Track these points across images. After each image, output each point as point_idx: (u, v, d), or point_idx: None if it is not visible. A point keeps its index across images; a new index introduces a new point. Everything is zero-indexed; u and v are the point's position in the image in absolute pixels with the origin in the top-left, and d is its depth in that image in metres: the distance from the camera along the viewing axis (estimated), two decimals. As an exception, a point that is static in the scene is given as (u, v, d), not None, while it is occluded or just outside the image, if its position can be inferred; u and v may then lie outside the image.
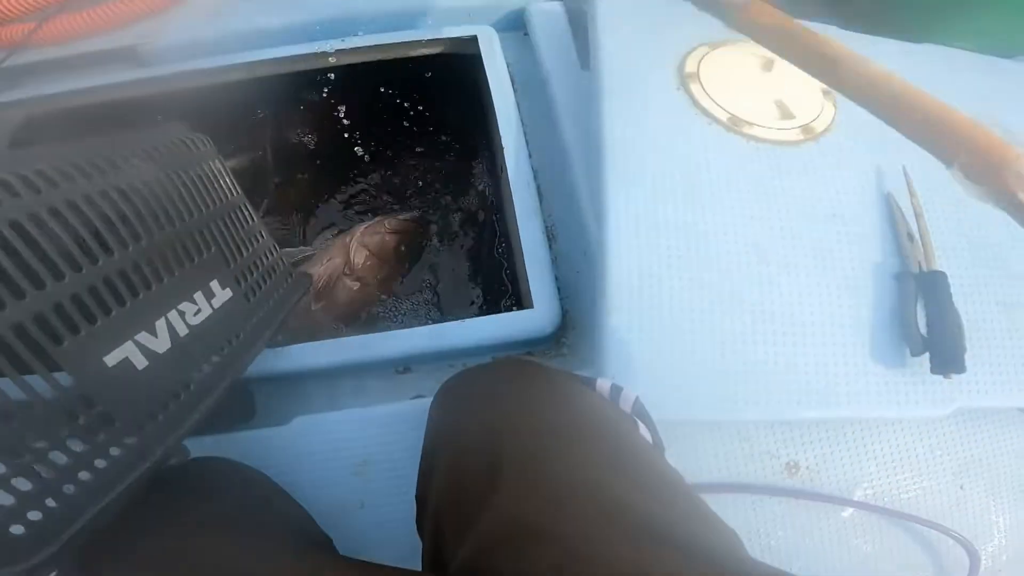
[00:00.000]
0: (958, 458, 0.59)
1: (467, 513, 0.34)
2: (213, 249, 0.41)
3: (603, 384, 0.48)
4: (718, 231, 0.57)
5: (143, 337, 0.34)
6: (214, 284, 0.41)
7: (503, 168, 0.83)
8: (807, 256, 0.56)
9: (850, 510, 0.57)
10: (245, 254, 0.46)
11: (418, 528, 0.45)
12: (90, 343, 0.31)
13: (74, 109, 0.81)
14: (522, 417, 0.39)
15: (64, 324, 0.29)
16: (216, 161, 0.46)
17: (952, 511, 0.59)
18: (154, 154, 0.39)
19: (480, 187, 0.97)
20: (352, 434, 0.57)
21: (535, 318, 0.61)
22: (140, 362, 0.33)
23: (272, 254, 0.52)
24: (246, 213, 0.49)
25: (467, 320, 0.62)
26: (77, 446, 0.30)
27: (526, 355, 0.64)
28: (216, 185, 0.45)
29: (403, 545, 0.56)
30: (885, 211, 0.57)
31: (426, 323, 0.83)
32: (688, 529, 0.31)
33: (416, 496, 0.47)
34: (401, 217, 0.87)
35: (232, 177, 0.48)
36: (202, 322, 0.39)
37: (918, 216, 0.55)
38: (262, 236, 0.51)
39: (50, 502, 0.29)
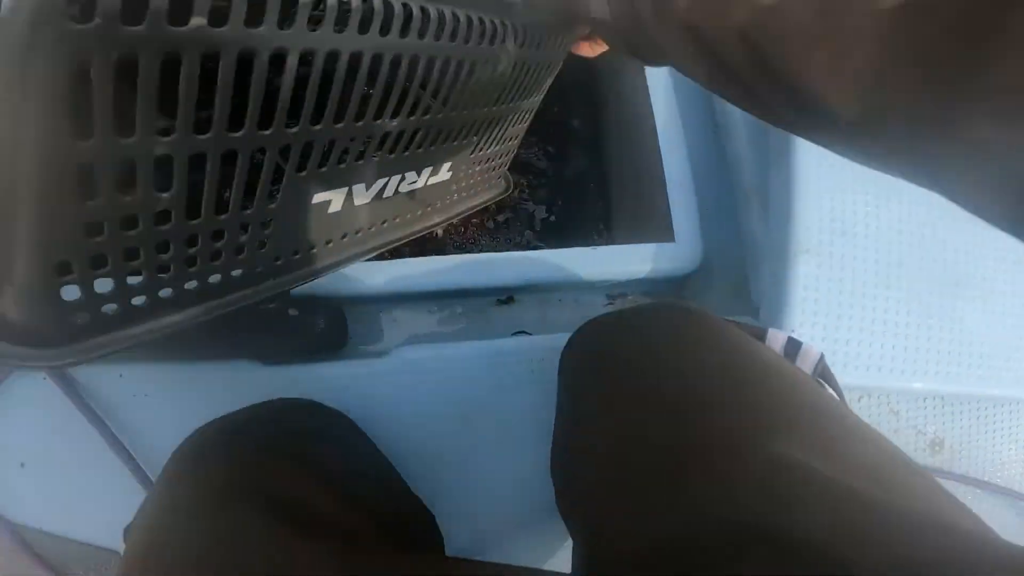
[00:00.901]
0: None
1: (650, 507, 0.26)
2: (475, 138, 0.35)
3: (776, 336, 0.40)
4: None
5: (358, 188, 0.29)
6: (445, 166, 0.35)
7: (612, 90, 0.72)
8: None
9: (977, 492, 0.54)
10: (489, 149, 0.40)
11: (564, 514, 0.37)
12: (318, 179, 0.26)
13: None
14: (708, 386, 0.30)
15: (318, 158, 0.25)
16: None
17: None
18: (524, 40, 0.30)
19: (568, 113, 0.85)
20: (458, 373, 0.47)
21: (676, 252, 0.52)
22: (335, 207, 0.29)
23: (507, 156, 0.45)
24: (526, 116, 0.41)
25: (597, 248, 0.52)
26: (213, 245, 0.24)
27: (650, 297, 0.56)
28: (539, 85, 0.38)
29: (512, 510, 0.48)
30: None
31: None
32: (951, 519, 0.24)
33: (556, 478, 0.38)
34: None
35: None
36: (406, 191, 0.33)
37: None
38: (514, 138, 0.43)
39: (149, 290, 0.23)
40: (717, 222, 0.56)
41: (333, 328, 0.45)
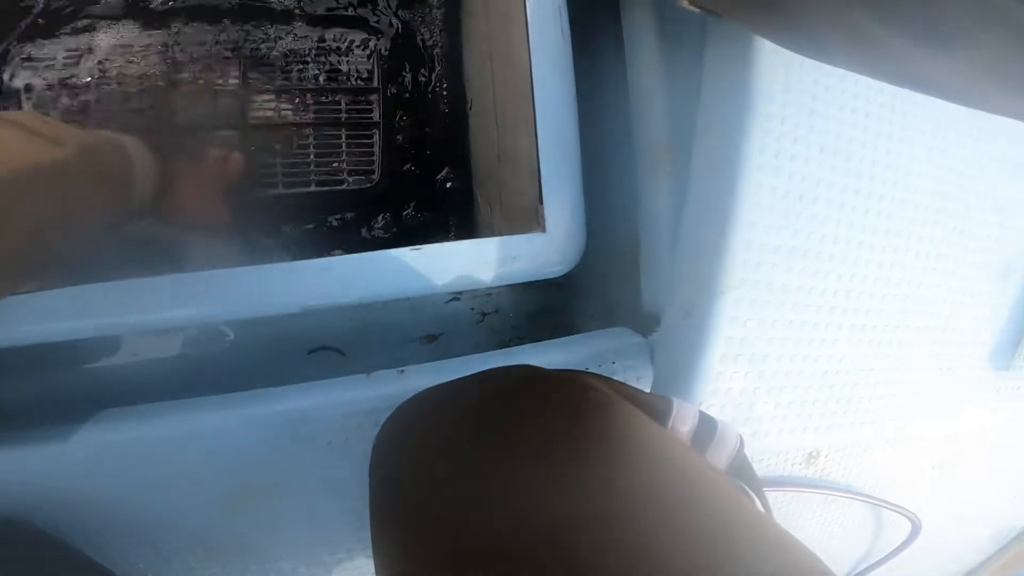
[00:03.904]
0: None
1: None
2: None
3: (685, 413, 0.29)
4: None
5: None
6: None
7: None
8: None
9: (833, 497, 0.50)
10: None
11: None
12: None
13: None
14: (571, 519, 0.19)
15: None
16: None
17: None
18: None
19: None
20: (205, 457, 0.30)
21: (545, 247, 0.37)
22: None
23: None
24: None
25: (423, 248, 0.35)
26: None
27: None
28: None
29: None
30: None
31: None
32: None
33: None
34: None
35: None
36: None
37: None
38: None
39: None
40: (606, 206, 0.41)
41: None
